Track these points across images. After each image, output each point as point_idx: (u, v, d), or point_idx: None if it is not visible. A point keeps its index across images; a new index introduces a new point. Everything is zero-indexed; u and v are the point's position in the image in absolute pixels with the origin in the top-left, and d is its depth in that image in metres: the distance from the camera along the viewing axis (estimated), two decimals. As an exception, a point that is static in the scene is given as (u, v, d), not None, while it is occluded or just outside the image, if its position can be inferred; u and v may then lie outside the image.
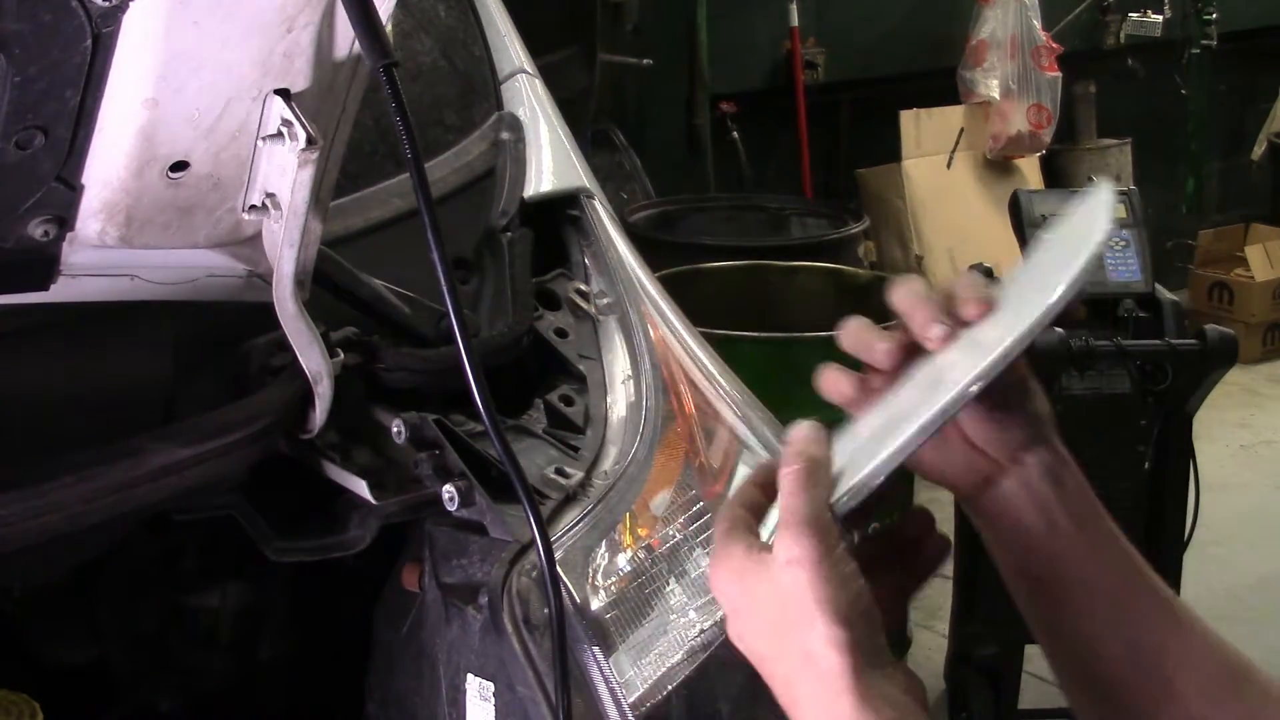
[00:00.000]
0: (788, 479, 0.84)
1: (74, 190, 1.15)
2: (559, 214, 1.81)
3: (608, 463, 1.53)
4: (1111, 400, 3.08)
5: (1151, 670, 0.90)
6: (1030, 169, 5.71)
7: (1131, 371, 3.06)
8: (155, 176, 1.18)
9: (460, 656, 1.38)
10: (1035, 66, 5.48)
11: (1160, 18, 6.28)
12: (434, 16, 1.94)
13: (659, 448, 1.55)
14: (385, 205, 1.63)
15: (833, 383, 0.93)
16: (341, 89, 1.24)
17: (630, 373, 1.64)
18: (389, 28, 1.22)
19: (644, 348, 1.66)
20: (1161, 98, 6.45)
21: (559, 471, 1.48)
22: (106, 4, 1.03)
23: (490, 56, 1.93)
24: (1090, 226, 0.91)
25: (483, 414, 1.19)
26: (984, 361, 0.83)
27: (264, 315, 1.31)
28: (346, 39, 1.19)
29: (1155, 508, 3.19)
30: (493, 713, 1.36)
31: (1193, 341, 3.04)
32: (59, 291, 1.24)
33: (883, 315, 0.94)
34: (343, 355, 1.41)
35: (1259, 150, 6.58)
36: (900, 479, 0.87)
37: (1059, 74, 5.53)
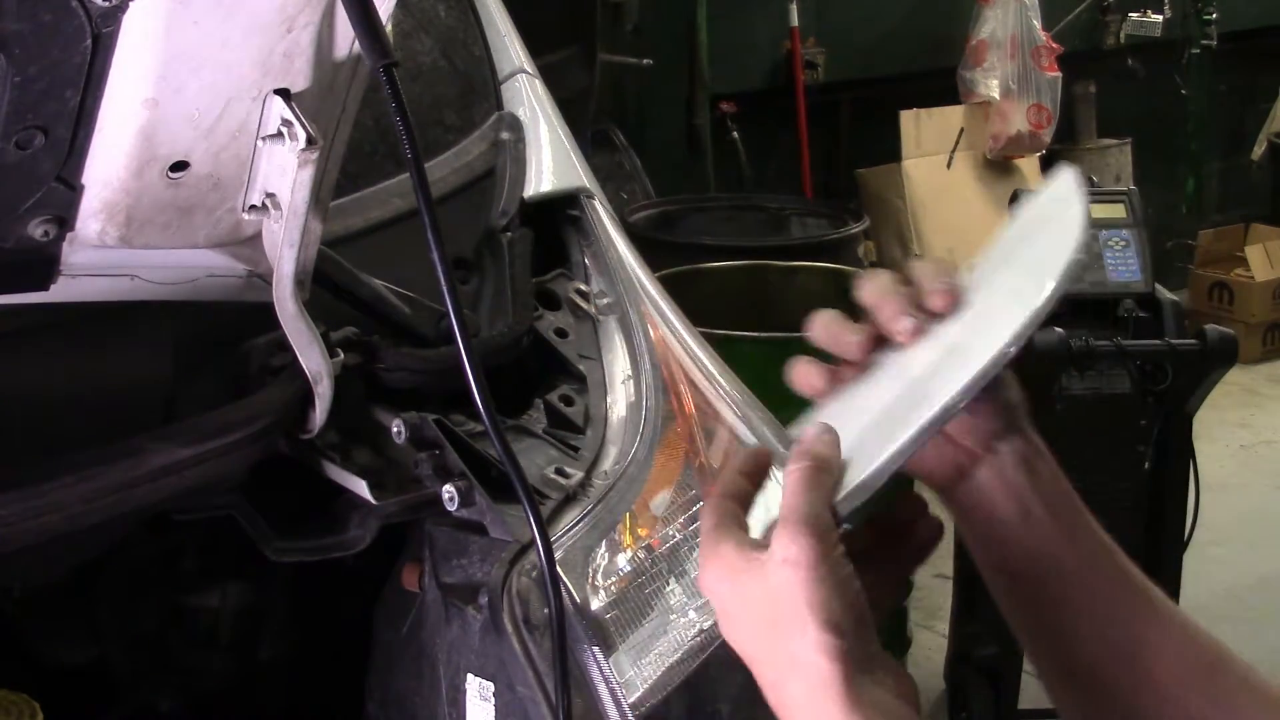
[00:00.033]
0: (793, 476, 0.83)
1: (74, 190, 1.15)
2: (559, 214, 1.81)
3: (608, 463, 1.53)
4: (1111, 400, 3.08)
5: (1129, 659, 0.90)
6: (1030, 169, 5.71)
7: (1131, 371, 3.06)
8: (155, 176, 1.18)
9: (460, 656, 1.39)
10: (1035, 66, 5.48)
11: (1160, 18, 6.28)
12: (434, 16, 1.94)
13: (659, 448, 1.55)
14: (385, 205, 1.63)
15: (804, 375, 0.93)
16: (341, 89, 1.24)
17: (630, 373, 1.64)
18: (389, 28, 1.22)
19: (644, 348, 1.66)
20: (1161, 98, 6.45)
21: (559, 471, 1.48)
22: (106, 4, 1.03)
23: (490, 56, 1.93)
24: (1064, 212, 0.91)
25: (483, 414, 1.19)
26: (985, 357, 0.83)
27: (264, 315, 1.31)
28: (346, 39, 1.19)
29: (1155, 508, 3.19)
30: (493, 713, 1.36)
31: (1193, 341, 3.05)
32: (59, 291, 1.24)
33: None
34: (343, 355, 1.41)
35: (1259, 150, 6.58)
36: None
37: (1059, 74, 5.53)
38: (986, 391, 0.89)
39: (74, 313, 1.30)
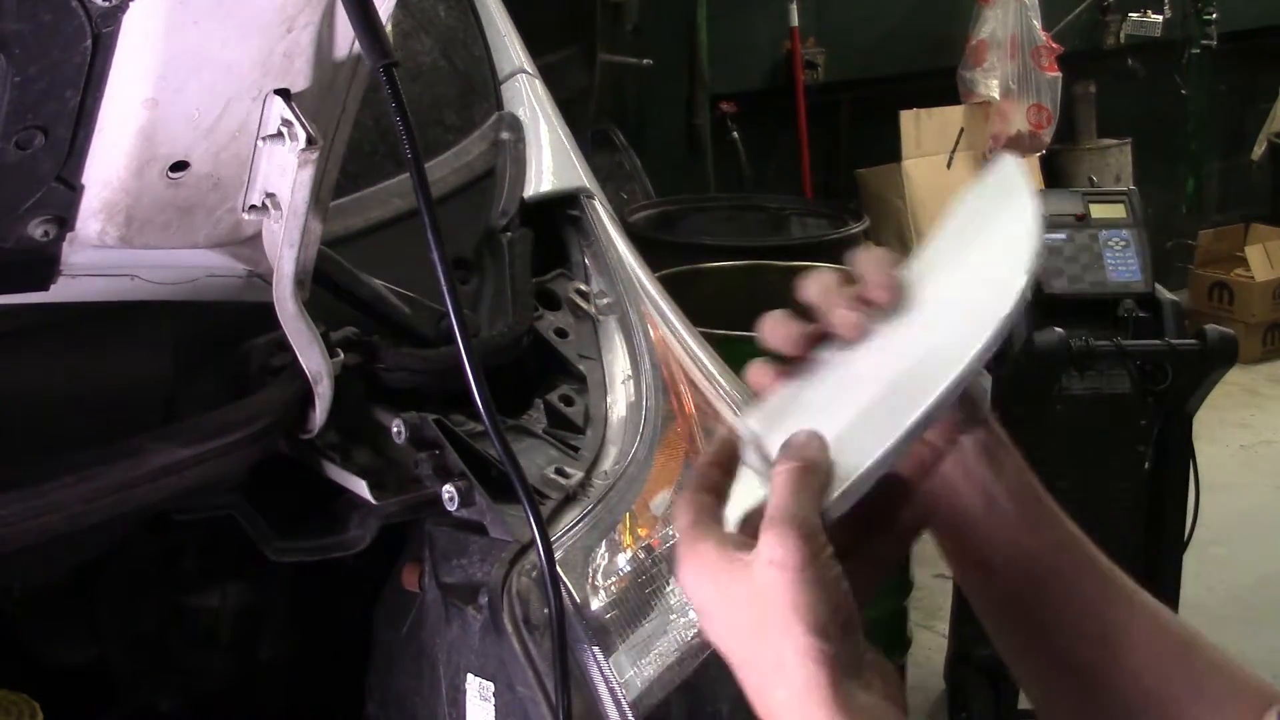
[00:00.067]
0: (782, 475, 0.81)
1: (74, 190, 1.15)
2: (559, 214, 1.81)
3: (608, 463, 1.53)
4: (1111, 400, 3.08)
5: (1100, 644, 0.90)
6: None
7: (1131, 371, 3.06)
8: (155, 176, 1.18)
9: (460, 656, 1.38)
10: (1035, 66, 5.48)
11: (1160, 18, 6.28)
12: (434, 16, 1.94)
13: (659, 448, 1.55)
14: (385, 205, 1.63)
15: (759, 375, 0.93)
16: (341, 89, 1.24)
17: (630, 373, 1.64)
18: (389, 28, 1.21)
19: (644, 348, 1.67)
20: (1161, 98, 6.45)
21: (559, 471, 1.48)
22: (106, 4, 1.03)
23: (490, 56, 1.93)
24: (1014, 200, 0.90)
25: (483, 414, 1.19)
26: (969, 354, 0.83)
27: (264, 315, 1.31)
28: (346, 39, 1.19)
29: (1155, 508, 3.20)
30: (493, 713, 1.36)
31: (1193, 341, 3.05)
32: (59, 291, 1.24)
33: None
34: (343, 355, 1.41)
35: (1259, 150, 6.58)
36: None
37: (1059, 74, 5.53)
38: None
39: (74, 313, 1.30)
